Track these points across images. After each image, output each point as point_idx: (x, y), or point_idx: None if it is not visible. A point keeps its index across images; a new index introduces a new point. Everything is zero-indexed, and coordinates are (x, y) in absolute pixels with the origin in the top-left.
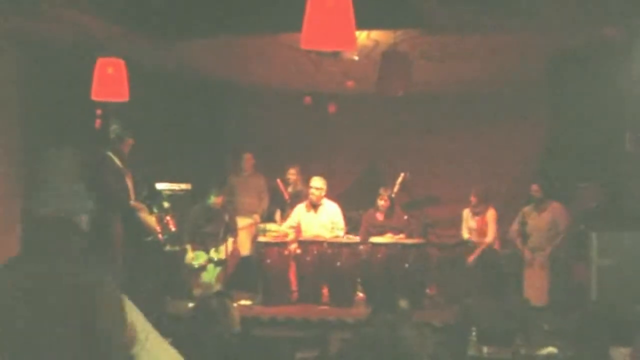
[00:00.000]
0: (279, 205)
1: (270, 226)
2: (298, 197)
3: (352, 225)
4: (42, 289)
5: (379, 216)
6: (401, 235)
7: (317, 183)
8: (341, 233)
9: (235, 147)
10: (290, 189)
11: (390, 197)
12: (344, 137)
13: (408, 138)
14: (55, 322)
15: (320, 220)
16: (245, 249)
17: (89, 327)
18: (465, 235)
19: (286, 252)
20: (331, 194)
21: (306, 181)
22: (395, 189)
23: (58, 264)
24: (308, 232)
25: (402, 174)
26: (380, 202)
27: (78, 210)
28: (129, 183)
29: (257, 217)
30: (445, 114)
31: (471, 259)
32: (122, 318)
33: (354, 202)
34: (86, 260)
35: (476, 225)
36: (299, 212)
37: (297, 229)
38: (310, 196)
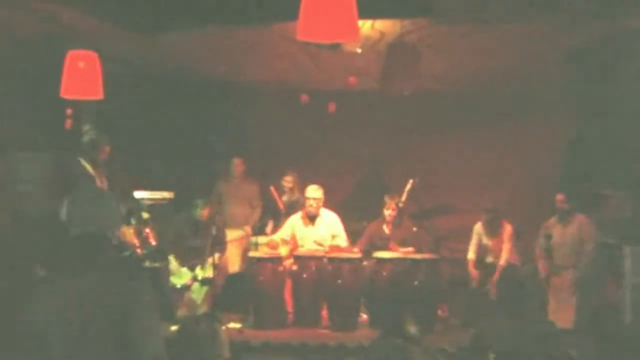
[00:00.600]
0: (273, 215)
1: (263, 239)
2: (294, 207)
3: (354, 238)
4: (87, 304)
5: (386, 228)
6: (410, 250)
7: (315, 193)
8: (344, 243)
9: (224, 151)
10: (285, 198)
11: (397, 207)
12: (345, 140)
13: (416, 140)
14: (102, 336)
15: (319, 233)
16: (235, 265)
17: (131, 340)
18: (471, 255)
19: (281, 269)
20: (330, 203)
21: (304, 189)
22: (403, 197)
23: (98, 279)
24: (305, 248)
25: (410, 181)
26: (387, 212)
27: (110, 225)
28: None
29: (248, 229)
30: (457, 113)
31: (491, 283)
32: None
33: (356, 211)
34: (120, 274)
35: (491, 244)
36: (294, 224)
37: (293, 242)
38: (308, 208)
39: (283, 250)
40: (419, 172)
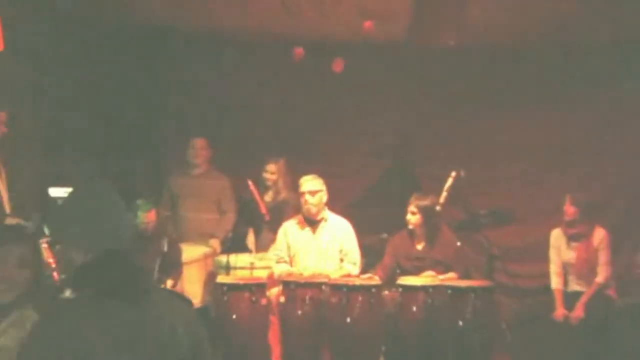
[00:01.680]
0: (252, 222)
1: (240, 259)
2: (282, 210)
3: (371, 258)
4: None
5: (416, 242)
6: (451, 275)
7: (312, 184)
8: (354, 269)
9: (180, 131)
10: (269, 197)
11: (430, 211)
12: (356, 115)
13: (460, 116)
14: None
15: (321, 245)
16: (196, 297)
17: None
18: (555, 281)
19: (263, 302)
20: (337, 207)
21: (295, 185)
22: (441, 198)
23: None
24: (302, 265)
25: (452, 174)
26: (412, 218)
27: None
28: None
29: (215, 243)
30: (519, 78)
31: (569, 312)
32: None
33: (373, 219)
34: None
35: (576, 257)
36: (288, 233)
37: (289, 256)
38: (305, 207)
39: (278, 269)
40: (465, 161)
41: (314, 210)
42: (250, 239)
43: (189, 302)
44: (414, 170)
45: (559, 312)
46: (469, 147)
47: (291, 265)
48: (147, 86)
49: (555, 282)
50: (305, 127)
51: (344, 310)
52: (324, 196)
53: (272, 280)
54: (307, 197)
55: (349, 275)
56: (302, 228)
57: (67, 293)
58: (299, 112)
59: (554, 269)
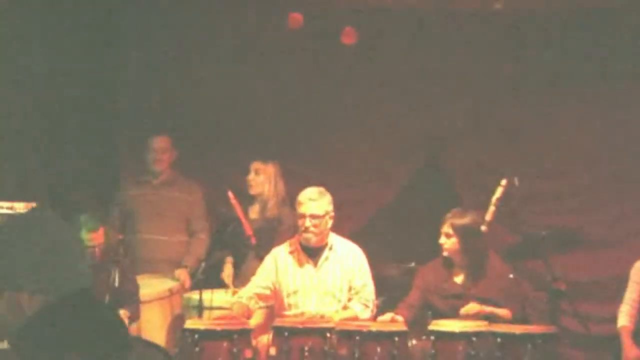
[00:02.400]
0: (232, 248)
1: (217, 297)
2: (273, 230)
3: (392, 296)
4: None
5: (453, 274)
6: (500, 312)
7: (316, 206)
8: (365, 313)
9: (135, 126)
10: (255, 213)
11: (471, 232)
12: (372, 104)
13: (510, 105)
14: None
15: (326, 282)
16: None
17: None
18: (623, 319)
19: (248, 354)
20: (346, 227)
21: (291, 196)
22: (488, 214)
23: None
24: (300, 308)
25: (502, 182)
26: (448, 242)
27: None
28: None
29: (183, 274)
30: (593, 53)
31: None
32: None
33: (394, 244)
34: None
35: None
36: (280, 266)
37: (276, 299)
38: (302, 234)
39: (255, 319)
40: (519, 166)
41: (314, 239)
42: (228, 271)
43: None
44: (450, 178)
45: (630, 353)
46: (524, 147)
47: (283, 309)
48: (94, 63)
49: (624, 320)
50: (304, 119)
51: None
52: (330, 220)
53: (260, 326)
54: (308, 222)
55: (360, 320)
56: (300, 262)
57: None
58: (296, 99)
59: (627, 309)
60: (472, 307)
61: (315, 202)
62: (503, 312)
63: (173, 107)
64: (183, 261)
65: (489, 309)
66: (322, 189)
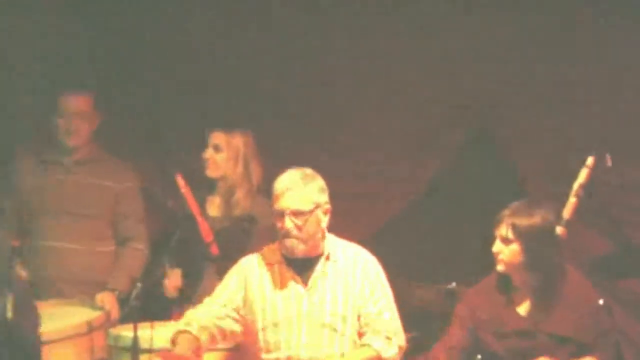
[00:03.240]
0: (182, 259)
1: (161, 333)
2: (245, 233)
3: (423, 332)
4: None
5: (515, 301)
6: None
7: (295, 197)
8: (390, 349)
9: (37, 84)
10: (215, 207)
11: (541, 237)
12: (394, 62)
13: (594, 63)
14: None
15: (321, 307)
16: None
17: None
18: None
19: None
20: (357, 232)
21: (267, 186)
22: (566, 210)
23: None
24: (283, 348)
25: (587, 162)
26: (505, 251)
27: None
28: None
29: (107, 301)
30: None
31: None
32: None
33: (426, 256)
34: None
35: None
36: (249, 282)
37: (245, 335)
38: (281, 236)
39: None
40: (612, 136)
41: (300, 248)
42: (174, 281)
43: None
44: (507, 159)
45: None
46: (619, 108)
47: (251, 345)
48: None
49: None
50: (295, 78)
51: None
52: (323, 217)
53: None
54: (288, 222)
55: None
56: (283, 280)
57: None
58: (280, 53)
59: None
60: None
61: (295, 192)
62: None
63: (93, 57)
64: (109, 282)
65: None
66: (307, 170)
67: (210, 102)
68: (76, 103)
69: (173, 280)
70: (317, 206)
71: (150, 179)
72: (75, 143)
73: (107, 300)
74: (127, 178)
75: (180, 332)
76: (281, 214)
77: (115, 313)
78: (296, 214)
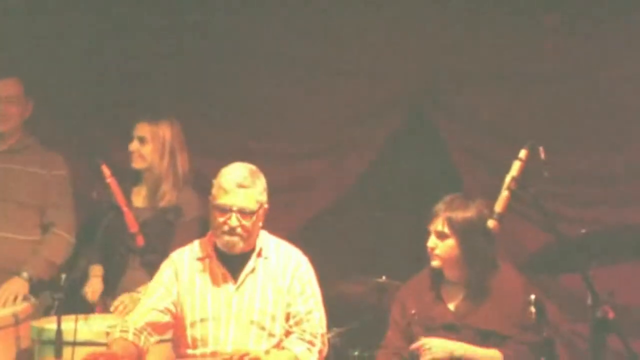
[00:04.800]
0: (107, 250)
1: (89, 326)
2: (171, 224)
3: (353, 327)
4: None
5: (446, 296)
6: (493, 354)
7: (241, 196)
8: (310, 355)
9: None
10: (141, 198)
11: (474, 231)
12: (330, 41)
13: (533, 38)
14: None
15: (250, 305)
16: None
17: None
18: None
19: None
20: (284, 224)
21: (200, 174)
22: (499, 203)
23: None
24: (210, 344)
25: (522, 152)
26: (440, 246)
27: None
28: None
29: (12, 285)
30: None
31: None
32: None
33: (357, 249)
34: None
35: None
36: (180, 277)
37: (175, 329)
38: (221, 236)
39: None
40: (548, 129)
41: (241, 245)
42: (93, 286)
43: None
44: (441, 151)
45: None
46: (555, 102)
47: (182, 343)
48: None
49: None
50: (223, 60)
51: None
52: (261, 217)
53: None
54: (234, 220)
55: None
56: (213, 275)
57: None
58: (205, 40)
59: None
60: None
61: (246, 190)
62: (491, 355)
63: (25, 42)
64: (23, 266)
65: (469, 347)
66: (253, 167)
67: (135, 91)
68: (4, 87)
69: (93, 285)
70: (261, 206)
71: (77, 168)
72: (4, 128)
73: (12, 285)
74: (57, 166)
75: (116, 340)
76: (227, 210)
77: (35, 305)
78: (243, 212)
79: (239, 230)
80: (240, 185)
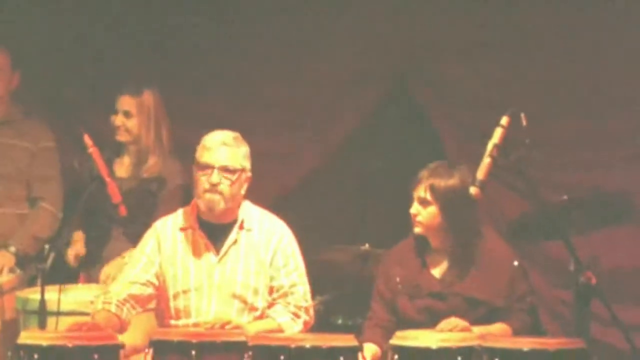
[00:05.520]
0: (90, 219)
1: (71, 296)
2: (152, 195)
3: (336, 295)
4: None
5: (430, 263)
6: (499, 326)
7: (226, 153)
8: (295, 324)
9: None
10: (124, 169)
11: (457, 198)
12: (307, 7)
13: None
14: None
15: (232, 277)
16: None
17: None
18: None
19: None
20: (266, 194)
21: (182, 145)
22: (481, 170)
23: None
24: (192, 315)
25: (503, 119)
26: (423, 213)
27: None
28: None
29: (11, 261)
30: None
31: None
32: None
33: (340, 218)
34: None
35: None
36: (162, 246)
37: (159, 300)
38: (202, 196)
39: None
40: (530, 96)
41: (221, 206)
42: (76, 250)
43: None
44: (425, 117)
45: None
46: (538, 69)
47: (166, 312)
48: None
49: None
50: (199, 38)
51: None
52: (245, 183)
53: (134, 342)
54: (216, 177)
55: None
56: (195, 246)
57: None
58: (187, 11)
59: None
60: (451, 323)
61: (229, 148)
62: (500, 329)
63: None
64: (10, 240)
65: (478, 328)
66: (237, 134)
67: (117, 62)
68: None
69: (75, 249)
70: (243, 170)
71: (62, 139)
72: None
73: (10, 260)
74: (44, 138)
75: (98, 311)
76: (208, 167)
77: (19, 276)
78: (225, 170)
79: (220, 187)
80: (224, 144)
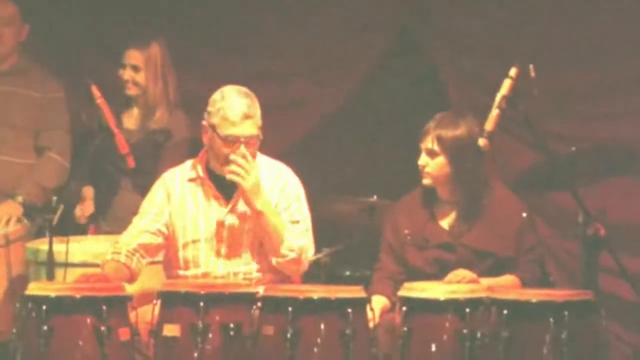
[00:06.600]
0: (98, 172)
1: (80, 247)
2: (157, 146)
3: (345, 246)
4: None
5: (438, 214)
6: (508, 278)
7: (251, 122)
8: (297, 241)
9: None
10: (132, 121)
11: (465, 149)
12: None
13: None
14: None
15: (241, 228)
16: None
17: None
18: None
19: (123, 335)
20: (274, 144)
21: (187, 96)
22: (489, 122)
23: None
24: (202, 266)
25: (512, 71)
26: (431, 164)
27: None
28: None
29: (8, 210)
30: None
31: None
32: None
33: (348, 169)
34: None
35: None
36: (172, 198)
37: (167, 251)
38: (224, 165)
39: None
40: (538, 46)
41: (241, 173)
42: (86, 207)
43: None
44: (431, 69)
45: None
46: (545, 19)
47: (174, 263)
48: None
49: None
50: None
51: (291, 353)
52: (257, 141)
53: (143, 294)
54: (242, 147)
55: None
56: (206, 197)
57: None
58: None
59: None
60: (459, 274)
61: (252, 119)
62: (509, 279)
63: None
64: (17, 192)
65: (487, 280)
66: (248, 92)
67: (126, 14)
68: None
69: (84, 207)
70: (259, 130)
71: (71, 90)
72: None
73: (5, 208)
74: (53, 88)
75: (108, 262)
76: (233, 140)
77: (27, 226)
78: (250, 139)
79: (240, 159)
80: (247, 116)
